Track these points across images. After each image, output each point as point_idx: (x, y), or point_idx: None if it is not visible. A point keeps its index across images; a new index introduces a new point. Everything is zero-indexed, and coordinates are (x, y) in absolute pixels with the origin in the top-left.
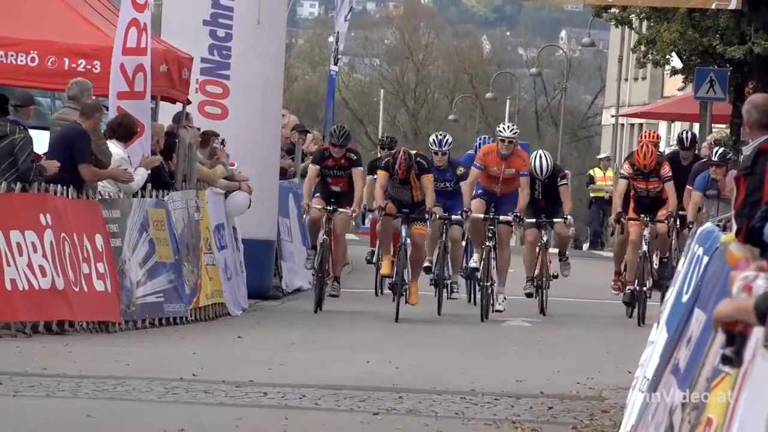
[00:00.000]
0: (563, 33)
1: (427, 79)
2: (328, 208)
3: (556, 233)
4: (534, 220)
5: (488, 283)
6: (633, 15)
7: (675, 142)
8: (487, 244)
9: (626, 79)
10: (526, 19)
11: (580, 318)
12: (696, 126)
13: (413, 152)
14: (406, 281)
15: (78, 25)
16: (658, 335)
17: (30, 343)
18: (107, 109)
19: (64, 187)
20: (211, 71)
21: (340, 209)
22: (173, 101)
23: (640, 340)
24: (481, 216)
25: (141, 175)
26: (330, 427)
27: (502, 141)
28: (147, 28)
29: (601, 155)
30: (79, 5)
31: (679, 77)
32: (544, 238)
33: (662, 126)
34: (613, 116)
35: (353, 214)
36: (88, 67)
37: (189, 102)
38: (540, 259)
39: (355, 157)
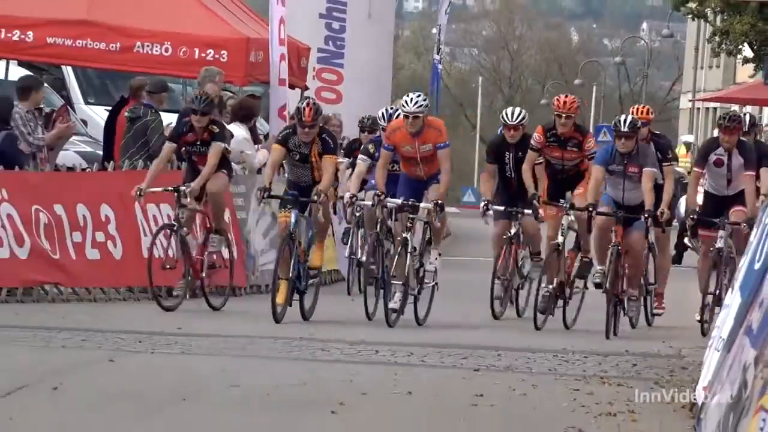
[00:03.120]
0: (644, 25)
1: (521, 67)
2: (169, 187)
3: (522, 229)
4: (502, 208)
5: (400, 283)
6: (708, 9)
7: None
8: (404, 235)
9: (702, 67)
10: (610, 12)
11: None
12: (766, 110)
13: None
14: (302, 283)
15: (207, 17)
16: (733, 299)
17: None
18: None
19: None
20: (327, 60)
21: (182, 187)
22: (293, 87)
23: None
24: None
25: (263, 155)
26: (435, 381)
27: (406, 117)
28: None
29: (686, 139)
30: None
31: (750, 65)
32: (512, 231)
33: (734, 109)
34: (690, 101)
35: (188, 190)
36: (216, 56)
37: (307, 88)
38: (508, 254)
39: (217, 130)
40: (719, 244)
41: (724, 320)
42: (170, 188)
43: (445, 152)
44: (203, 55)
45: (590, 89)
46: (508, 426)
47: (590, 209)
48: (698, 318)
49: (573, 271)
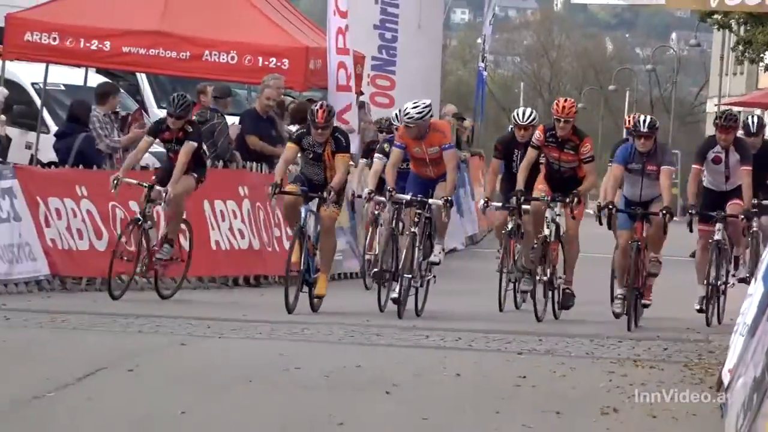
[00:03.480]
0: (674, 35)
1: (560, 74)
2: (144, 183)
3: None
4: (500, 204)
5: (410, 276)
6: (732, 20)
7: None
8: (412, 230)
9: (726, 74)
10: (642, 23)
11: (683, 271)
12: None
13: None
14: (311, 276)
15: (268, 28)
16: (756, 288)
17: (232, 293)
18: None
19: (258, 164)
20: (381, 67)
21: (156, 186)
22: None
23: (739, 291)
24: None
25: None
26: (482, 364)
27: (407, 126)
28: (346, 31)
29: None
30: (269, 10)
31: None
32: (509, 225)
33: (757, 113)
34: (715, 105)
35: (165, 195)
36: (278, 63)
37: (362, 93)
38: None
39: (190, 129)
40: (717, 237)
41: (748, 308)
42: (145, 184)
43: (451, 153)
44: (266, 63)
45: (624, 94)
46: (548, 405)
47: (609, 207)
48: (697, 308)
49: (558, 265)
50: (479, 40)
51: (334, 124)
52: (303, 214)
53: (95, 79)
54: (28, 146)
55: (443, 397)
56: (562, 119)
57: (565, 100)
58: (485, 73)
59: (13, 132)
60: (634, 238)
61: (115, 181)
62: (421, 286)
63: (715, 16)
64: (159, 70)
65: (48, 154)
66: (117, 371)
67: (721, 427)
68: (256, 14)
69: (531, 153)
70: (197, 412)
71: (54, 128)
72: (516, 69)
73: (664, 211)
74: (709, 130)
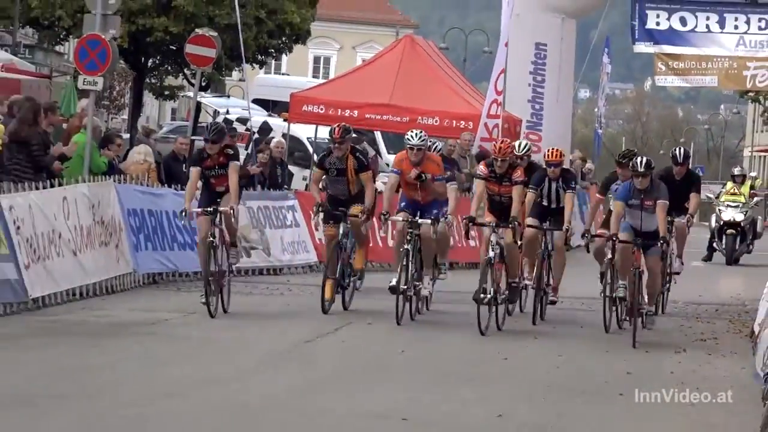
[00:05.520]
0: (722, 106)
1: (648, 131)
2: (209, 209)
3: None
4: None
5: (404, 286)
6: (761, 96)
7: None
8: (406, 247)
9: (757, 131)
10: (702, 98)
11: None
12: None
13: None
14: (345, 281)
15: (458, 100)
16: None
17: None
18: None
19: None
20: (532, 127)
21: (220, 208)
22: None
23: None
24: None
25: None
26: (598, 321)
27: (411, 149)
28: (501, 104)
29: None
30: (458, 89)
31: None
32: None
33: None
34: (750, 152)
35: (232, 212)
36: (466, 125)
37: None
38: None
39: (232, 152)
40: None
41: None
42: (209, 209)
43: (440, 183)
44: (458, 124)
45: (690, 144)
46: (640, 346)
47: (613, 238)
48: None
49: (502, 283)
50: (596, 110)
51: (357, 147)
52: (341, 230)
53: None
54: (304, 178)
55: (572, 341)
56: (500, 159)
57: (502, 142)
58: (600, 131)
59: (294, 170)
60: (635, 266)
61: (183, 212)
62: (415, 294)
63: (750, 94)
64: (388, 129)
65: None
66: (360, 324)
67: (753, 361)
68: (450, 92)
69: (479, 185)
70: (412, 350)
71: None
72: (619, 128)
73: (660, 242)
74: (745, 167)
